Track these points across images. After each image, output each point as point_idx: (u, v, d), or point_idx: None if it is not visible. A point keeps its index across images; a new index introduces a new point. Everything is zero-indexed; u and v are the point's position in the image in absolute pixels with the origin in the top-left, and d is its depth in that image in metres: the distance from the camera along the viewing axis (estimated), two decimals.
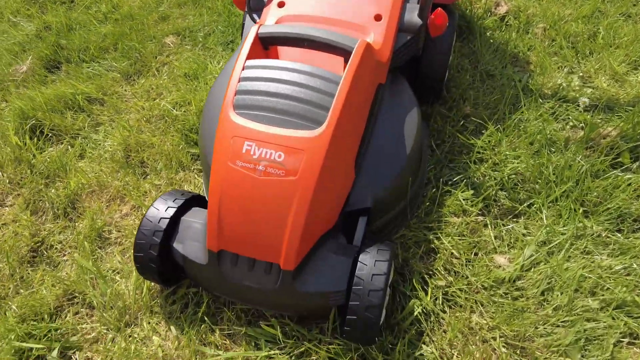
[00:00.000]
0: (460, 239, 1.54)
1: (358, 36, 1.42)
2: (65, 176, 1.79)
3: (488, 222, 1.59)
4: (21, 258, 1.60)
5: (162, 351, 1.39)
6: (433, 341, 1.34)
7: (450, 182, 1.69)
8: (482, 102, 1.96)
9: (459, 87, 2.00)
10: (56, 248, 1.64)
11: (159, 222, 1.33)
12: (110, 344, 1.40)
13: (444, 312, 1.40)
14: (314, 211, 1.17)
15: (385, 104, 1.49)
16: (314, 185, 1.14)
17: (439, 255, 1.51)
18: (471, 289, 1.44)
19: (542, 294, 1.43)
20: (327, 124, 1.17)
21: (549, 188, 1.63)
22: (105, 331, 1.44)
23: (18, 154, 1.84)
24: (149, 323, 1.44)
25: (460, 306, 1.41)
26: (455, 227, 1.57)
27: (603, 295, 1.40)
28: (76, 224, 1.68)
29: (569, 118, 1.88)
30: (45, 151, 1.90)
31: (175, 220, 1.37)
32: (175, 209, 1.36)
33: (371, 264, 1.20)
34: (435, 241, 1.54)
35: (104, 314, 1.44)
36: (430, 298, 1.41)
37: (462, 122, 1.89)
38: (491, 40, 2.22)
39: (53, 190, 1.76)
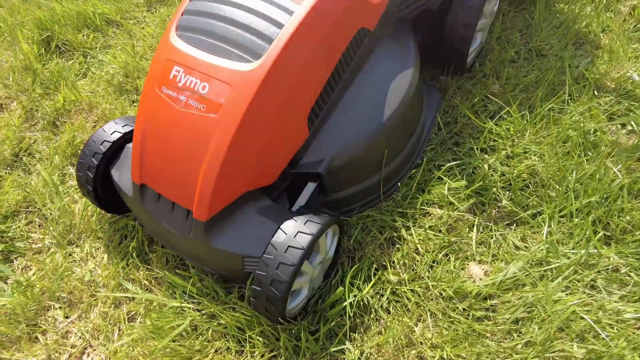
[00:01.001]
0: (434, 235, 1.29)
1: None
2: (61, 91, 1.80)
3: (476, 222, 1.31)
4: (4, 158, 1.65)
5: (90, 276, 1.35)
6: (358, 340, 1.14)
7: (444, 167, 1.41)
8: (516, 83, 1.61)
9: (494, 61, 1.67)
10: (34, 157, 1.67)
11: (101, 145, 1.27)
12: (49, 258, 1.40)
13: (387, 312, 1.19)
14: (235, 160, 1.01)
15: (372, 58, 1.26)
16: (235, 127, 0.98)
17: (401, 247, 1.28)
18: (426, 295, 1.20)
19: (516, 322, 1.15)
20: (265, 58, 0.98)
21: (566, 198, 1.30)
22: (49, 244, 1.44)
23: (27, 63, 1.89)
24: (91, 246, 1.42)
25: (408, 310, 1.19)
26: (433, 220, 1.32)
27: (594, 345, 1.08)
28: (58, 137, 1.70)
29: (628, 121, 1.48)
30: (52, 63, 1.93)
31: (121, 146, 1.30)
32: (121, 134, 1.28)
33: (291, 233, 1.02)
34: (403, 230, 1.31)
35: (52, 228, 1.44)
36: (375, 292, 1.20)
37: (483, 101, 1.57)
38: (556, 14, 1.81)
39: (47, 102, 1.78)
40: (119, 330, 1.26)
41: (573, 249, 1.23)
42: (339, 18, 1.06)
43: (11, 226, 1.47)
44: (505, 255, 1.25)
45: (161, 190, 1.12)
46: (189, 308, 1.23)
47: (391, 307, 1.20)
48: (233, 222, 1.09)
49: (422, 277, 1.23)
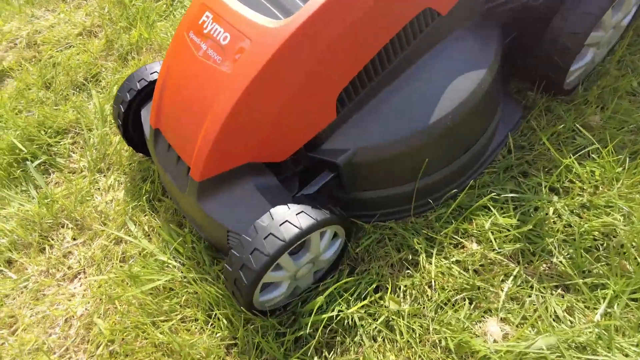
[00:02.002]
0: (458, 271, 1.07)
1: None
2: (138, 28, 1.84)
3: (516, 272, 1.06)
4: (74, 80, 1.74)
5: (105, 207, 1.37)
6: (329, 359, 1.00)
7: (497, 198, 1.17)
8: (625, 120, 1.28)
9: (604, 88, 1.34)
10: (99, 84, 1.74)
11: (138, 82, 1.25)
12: (78, 180, 1.45)
13: (373, 339, 1.02)
14: (239, 123, 0.91)
15: (438, 48, 1.06)
16: (244, 87, 0.87)
17: (415, 274, 1.09)
18: (423, 337, 1.00)
19: None
20: (295, 17, 0.85)
21: None
22: (82, 167, 1.49)
23: None
24: (115, 179, 1.44)
25: (396, 347, 1.00)
26: (463, 255, 1.10)
27: None
28: (123, 71, 1.74)
29: None
30: (140, 0, 1.98)
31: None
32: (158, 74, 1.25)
33: (278, 221, 0.90)
34: (423, 256, 1.11)
35: (88, 153, 1.48)
36: (366, 314, 1.04)
37: (572, 132, 1.27)
38: None
39: (125, 36, 1.84)
40: (112, 266, 1.25)
41: (637, 345, 0.94)
42: None
43: (59, 142, 1.55)
44: (539, 322, 1.00)
45: (170, 139, 1.07)
46: (174, 267, 1.17)
47: (379, 336, 1.02)
48: (228, 191, 0.99)
49: (426, 316, 1.03)
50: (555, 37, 1.18)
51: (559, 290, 1.04)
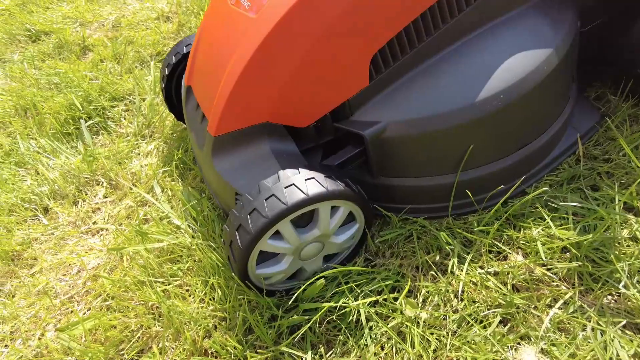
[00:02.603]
0: (494, 285, 0.89)
1: None
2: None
3: (568, 297, 0.86)
4: (141, 57, 1.83)
5: (137, 169, 1.38)
6: (325, 357, 0.86)
7: (556, 207, 0.97)
8: None
9: None
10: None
11: (186, 46, 1.25)
12: (120, 143, 1.48)
13: (380, 347, 0.87)
14: (258, 74, 0.84)
15: (497, 22, 0.92)
16: (265, 33, 0.80)
17: (441, 280, 0.92)
18: (437, 353, 0.83)
19: None
20: None
21: None
22: (129, 132, 1.53)
23: None
24: (155, 146, 1.45)
25: (402, 356, 0.84)
26: (505, 267, 0.92)
27: None
28: None
29: None
30: None
31: None
32: None
33: (284, 183, 0.80)
34: (455, 260, 0.94)
35: (136, 119, 1.52)
36: (376, 313, 0.89)
37: None
38: None
39: (194, 20, 1.91)
40: (138, 225, 1.24)
41: None
42: None
43: (114, 107, 1.61)
44: (587, 356, 0.78)
45: (197, 95, 1.04)
46: (185, 232, 1.12)
47: (388, 343, 0.87)
48: (242, 151, 0.93)
49: (446, 328, 0.86)
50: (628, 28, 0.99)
51: (627, 330, 0.82)
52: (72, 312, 1.10)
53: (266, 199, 0.80)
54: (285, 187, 0.80)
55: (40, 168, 1.45)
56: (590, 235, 0.89)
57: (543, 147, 1.03)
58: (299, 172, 0.83)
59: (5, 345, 1.07)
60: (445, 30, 0.89)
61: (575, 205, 0.97)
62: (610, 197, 0.98)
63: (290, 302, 0.91)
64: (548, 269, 0.90)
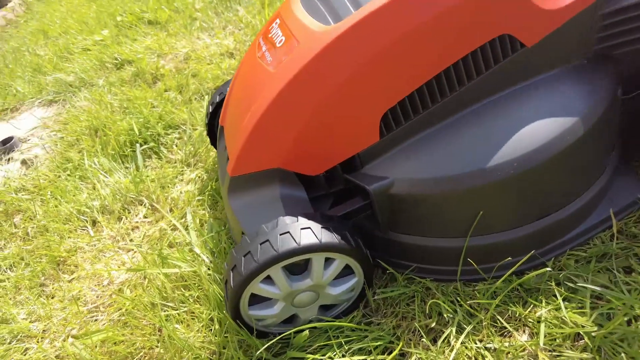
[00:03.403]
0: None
1: None
2: None
3: None
4: (201, 89, 1.99)
5: (175, 197, 1.49)
6: None
7: (575, 288, 0.89)
8: None
9: None
10: None
11: (228, 87, 1.36)
12: (167, 169, 1.61)
13: None
14: (272, 123, 0.89)
15: (521, 84, 0.90)
16: (281, 86, 0.85)
17: (431, 348, 0.88)
18: None
19: None
20: (343, 22, 0.82)
21: None
22: (176, 160, 1.66)
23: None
24: (197, 174, 1.56)
25: None
26: (505, 344, 0.85)
27: None
28: None
29: None
30: None
31: None
32: None
33: (281, 229, 0.84)
34: (453, 330, 0.90)
35: (184, 147, 1.65)
36: None
37: None
38: None
39: None
40: (159, 250, 1.33)
41: None
42: (467, 4, 0.78)
43: (168, 134, 1.77)
44: None
45: (226, 136, 1.11)
46: (202, 261, 1.19)
47: None
48: (254, 193, 0.97)
49: None
50: None
51: None
52: (95, 320, 1.20)
53: (261, 244, 0.83)
54: (280, 234, 0.83)
55: (97, 184, 1.62)
56: (608, 325, 0.81)
57: (569, 219, 0.96)
58: (297, 221, 0.85)
59: (37, 341, 1.19)
60: (461, 92, 0.88)
61: (596, 288, 0.88)
62: (637, 285, 0.88)
63: (279, 347, 0.92)
64: (555, 356, 0.82)
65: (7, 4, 5.07)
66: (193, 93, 1.96)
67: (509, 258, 0.94)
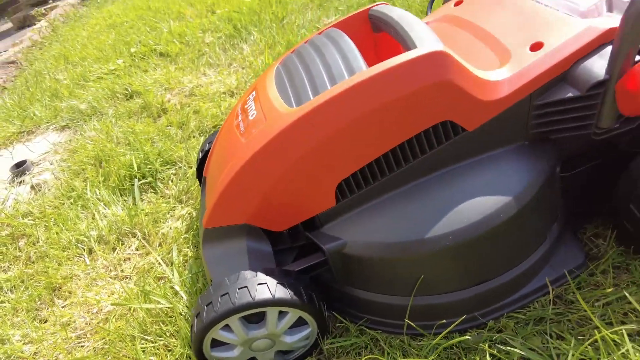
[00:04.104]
0: None
1: (490, 60, 1.00)
2: None
3: None
4: (201, 127, 2.13)
5: (167, 231, 1.61)
6: None
7: (506, 350, 0.98)
8: None
9: None
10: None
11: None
12: (161, 204, 1.74)
13: None
14: (241, 186, 1.01)
15: (463, 164, 1.00)
16: (249, 157, 0.98)
17: None
18: None
19: None
20: (303, 107, 0.94)
21: None
22: (170, 196, 1.79)
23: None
24: (188, 211, 1.68)
25: None
26: None
27: None
28: None
29: None
30: None
31: None
32: None
33: (240, 283, 0.95)
34: None
35: (178, 184, 1.79)
36: None
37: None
38: None
39: None
40: (144, 280, 1.45)
41: None
42: (413, 97, 0.90)
43: (165, 170, 1.90)
44: None
45: (207, 188, 1.24)
46: (180, 298, 1.30)
47: None
48: (223, 245, 1.09)
49: None
50: (632, 181, 1.00)
51: None
52: (82, 346, 1.31)
53: (221, 296, 0.94)
54: (239, 288, 0.94)
55: (96, 215, 1.75)
56: None
57: (507, 285, 1.05)
58: (256, 276, 0.96)
59: None
60: (408, 168, 0.99)
61: (523, 353, 0.97)
62: (567, 349, 0.97)
63: None
64: None
65: (35, 24, 5.38)
66: (193, 130, 2.11)
67: (453, 316, 1.04)
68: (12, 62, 4.30)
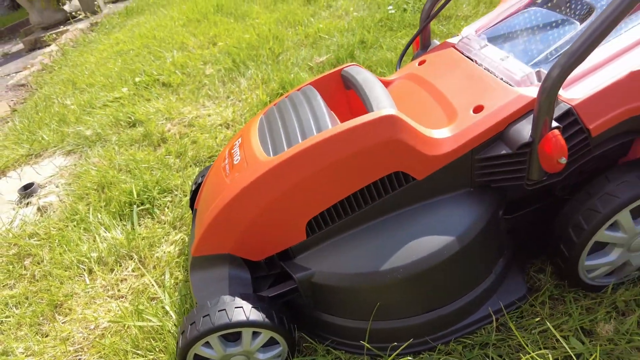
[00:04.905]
0: None
1: (440, 118, 1.18)
2: None
3: None
4: (197, 157, 2.31)
5: (161, 255, 1.77)
6: None
7: None
8: None
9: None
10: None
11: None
12: (157, 229, 1.90)
13: None
14: (225, 220, 1.17)
15: (415, 207, 1.17)
16: (231, 196, 1.14)
17: None
18: None
19: None
20: (278, 157, 1.11)
21: None
22: (165, 222, 1.95)
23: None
24: (181, 237, 1.84)
25: None
26: None
27: None
28: None
29: None
30: None
31: None
32: None
33: (220, 306, 1.10)
34: None
35: (173, 210, 1.95)
36: None
37: (568, 333, 1.14)
38: None
39: None
40: (139, 303, 1.60)
41: None
42: (368, 152, 1.07)
43: (162, 197, 2.07)
44: None
45: (197, 219, 1.40)
46: (170, 317, 1.45)
47: None
48: (208, 271, 1.25)
49: None
50: (562, 225, 1.16)
51: None
52: (79, 359, 1.45)
53: (203, 317, 1.09)
54: (219, 310, 1.09)
55: (97, 237, 1.91)
56: None
57: (456, 313, 1.20)
58: (234, 300, 1.12)
59: None
60: (367, 210, 1.16)
61: None
62: None
63: None
64: None
65: (46, 47, 5.63)
66: (189, 160, 2.28)
67: (407, 340, 1.19)
68: (23, 85, 4.52)
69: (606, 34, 0.91)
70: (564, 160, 1.00)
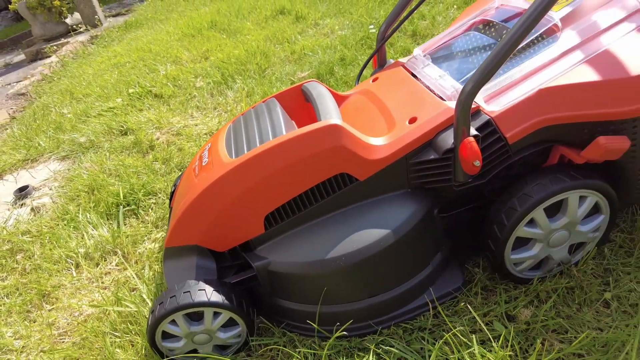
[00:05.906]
0: None
1: (382, 128, 1.35)
2: None
3: None
4: (182, 163, 2.48)
5: (142, 251, 1.92)
6: None
7: (385, 349, 1.28)
8: (563, 326, 1.25)
9: (557, 284, 1.34)
10: None
11: None
12: (140, 228, 2.06)
13: None
14: (193, 215, 1.34)
15: (358, 204, 1.34)
16: (197, 193, 1.31)
17: None
18: None
19: None
20: (238, 159, 1.29)
21: None
22: (148, 222, 2.11)
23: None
24: (161, 235, 2.00)
25: None
26: None
27: None
28: None
29: None
30: None
31: None
32: None
33: (185, 288, 1.26)
34: None
35: (156, 211, 2.11)
36: None
37: (493, 318, 1.30)
38: None
39: None
40: (119, 292, 1.75)
41: None
42: (316, 155, 1.24)
43: (147, 199, 2.23)
44: None
45: (171, 216, 1.57)
46: (146, 304, 1.60)
47: None
48: (178, 260, 1.41)
49: None
50: (489, 222, 1.33)
51: None
52: (63, 342, 1.60)
53: (170, 297, 1.25)
54: (184, 292, 1.25)
55: (85, 235, 2.07)
56: None
57: (396, 299, 1.36)
58: (197, 283, 1.28)
59: (17, 354, 1.59)
60: (317, 206, 1.32)
61: (397, 352, 1.27)
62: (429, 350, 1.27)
63: None
64: None
65: (46, 58, 5.85)
66: (174, 166, 2.45)
67: (353, 323, 1.34)
68: (23, 94, 4.71)
69: (508, 55, 1.09)
70: (477, 163, 1.17)
